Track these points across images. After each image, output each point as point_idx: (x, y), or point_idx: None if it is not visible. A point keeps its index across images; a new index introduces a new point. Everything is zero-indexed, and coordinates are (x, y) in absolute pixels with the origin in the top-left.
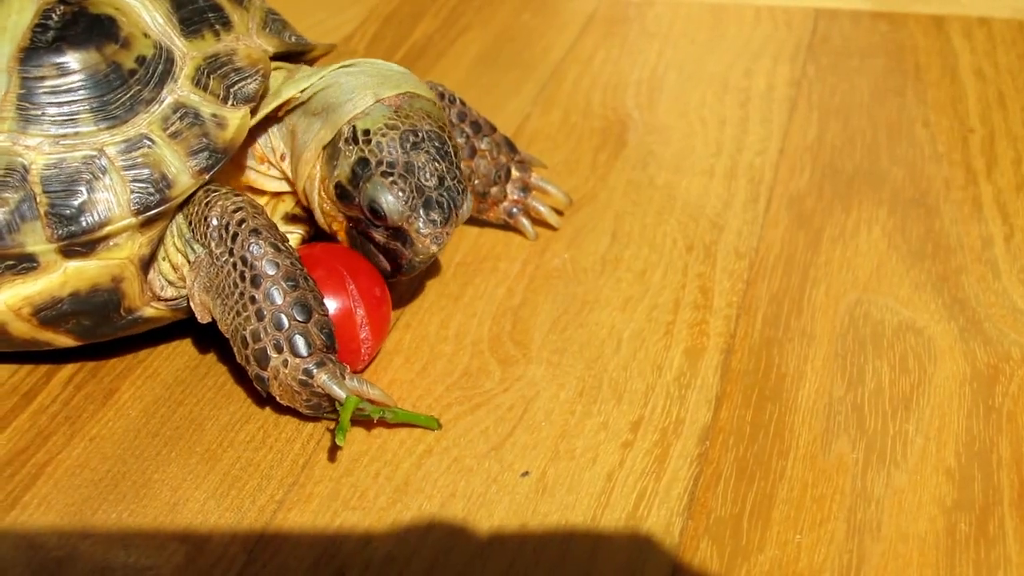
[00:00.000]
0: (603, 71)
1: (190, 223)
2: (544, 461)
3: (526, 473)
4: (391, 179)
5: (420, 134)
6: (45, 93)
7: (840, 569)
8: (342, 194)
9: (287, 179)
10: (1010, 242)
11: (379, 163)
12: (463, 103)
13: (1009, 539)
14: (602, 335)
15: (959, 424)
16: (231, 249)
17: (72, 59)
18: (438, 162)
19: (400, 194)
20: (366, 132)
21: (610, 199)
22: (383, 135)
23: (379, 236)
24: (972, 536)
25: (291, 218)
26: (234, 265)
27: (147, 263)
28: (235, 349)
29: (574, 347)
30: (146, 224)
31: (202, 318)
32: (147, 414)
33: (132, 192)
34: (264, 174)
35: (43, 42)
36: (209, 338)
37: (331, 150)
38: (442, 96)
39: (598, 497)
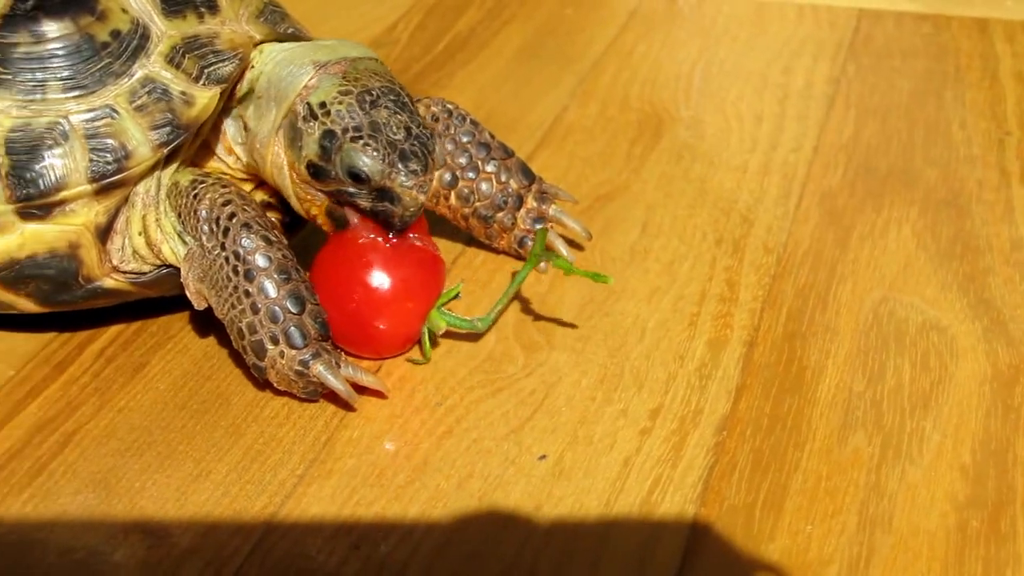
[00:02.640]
0: (643, 65)
1: (179, 215)
2: (562, 445)
3: (543, 457)
4: (362, 142)
5: (374, 92)
6: (18, 59)
7: (850, 560)
8: (316, 172)
9: (251, 172)
10: None
11: (345, 130)
12: (475, 123)
13: (1020, 537)
14: (626, 324)
15: (977, 423)
16: (223, 243)
17: (46, 28)
18: (399, 114)
19: (375, 153)
20: (322, 104)
21: (642, 191)
22: (339, 103)
23: (364, 202)
24: (983, 533)
25: (265, 206)
26: (227, 259)
27: (104, 232)
28: (232, 338)
29: (598, 335)
30: (102, 192)
31: (198, 305)
32: (175, 387)
33: (91, 160)
34: (231, 167)
35: (22, 10)
36: None
37: (290, 133)
38: (450, 114)
39: (613, 482)
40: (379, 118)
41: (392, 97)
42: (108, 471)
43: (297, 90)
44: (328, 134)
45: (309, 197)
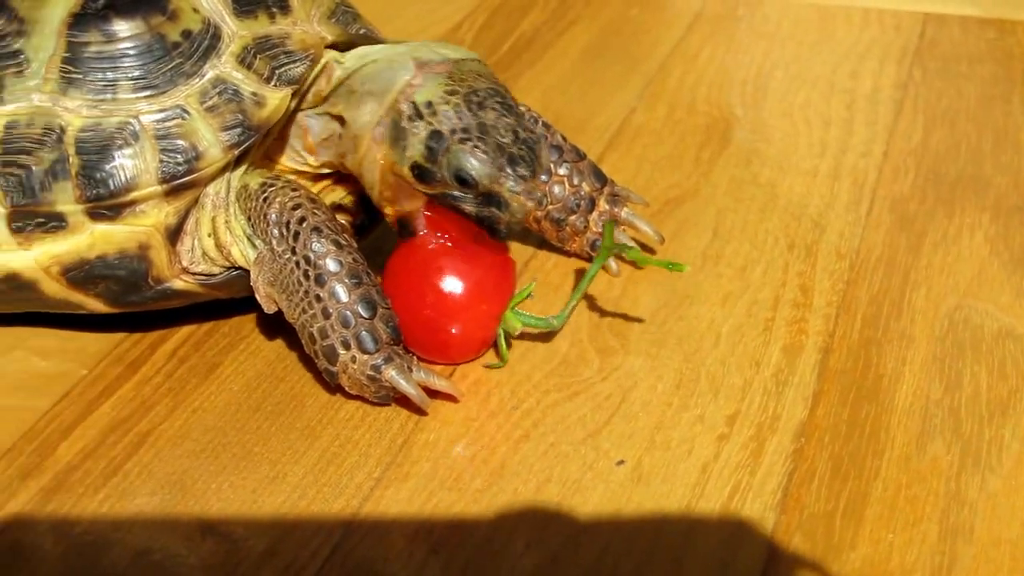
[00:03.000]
0: (709, 68)
1: (249, 218)
2: (640, 451)
3: (621, 462)
4: (471, 144)
5: (481, 94)
6: (88, 58)
7: (932, 570)
8: (421, 174)
9: (333, 168)
10: None
11: (453, 131)
12: (547, 125)
13: None
14: (701, 329)
15: None
16: (293, 248)
17: (118, 27)
18: (506, 117)
19: (484, 156)
20: (428, 104)
21: (712, 195)
22: (446, 103)
23: (469, 207)
24: None
25: (335, 208)
26: (297, 264)
27: (174, 233)
28: (303, 342)
29: (673, 340)
30: (172, 193)
31: (268, 309)
32: (249, 388)
33: (161, 161)
34: (311, 165)
35: (92, 9)
36: None
37: (392, 132)
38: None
39: (692, 488)
40: (487, 120)
41: (498, 99)
42: (183, 472)
43: (399, 87)
44: (435, 135)
45: (391, 198)
